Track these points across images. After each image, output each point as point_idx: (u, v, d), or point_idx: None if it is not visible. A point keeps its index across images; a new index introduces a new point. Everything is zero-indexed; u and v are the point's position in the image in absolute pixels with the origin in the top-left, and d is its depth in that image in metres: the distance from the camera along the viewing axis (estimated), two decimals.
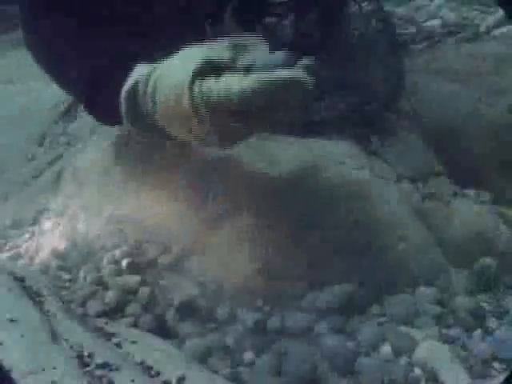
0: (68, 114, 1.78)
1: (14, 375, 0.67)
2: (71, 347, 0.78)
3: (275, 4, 1.46)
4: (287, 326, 1.06)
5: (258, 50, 0.89)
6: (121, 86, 0.96)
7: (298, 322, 1.07)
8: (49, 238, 1.30)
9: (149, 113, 0.90)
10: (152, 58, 0.97)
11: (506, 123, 1.44)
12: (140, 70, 0.92)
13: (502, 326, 1.08)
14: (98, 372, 0.75)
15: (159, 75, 0.89)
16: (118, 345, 0.89)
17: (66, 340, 0.80)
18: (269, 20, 1.43)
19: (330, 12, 1.45)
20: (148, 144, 1.22)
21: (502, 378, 0.95)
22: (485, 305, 1.14)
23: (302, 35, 1.45)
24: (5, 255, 1.28)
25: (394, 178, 1.29)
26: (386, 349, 1.03)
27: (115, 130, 1.31)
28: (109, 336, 0.92)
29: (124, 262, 1.17)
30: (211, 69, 0.84)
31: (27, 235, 1.35)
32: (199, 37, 1.25)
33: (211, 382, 0.88)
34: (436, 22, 2.22)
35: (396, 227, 1.21)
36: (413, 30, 2.18)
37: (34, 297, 0.91)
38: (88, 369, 0.75)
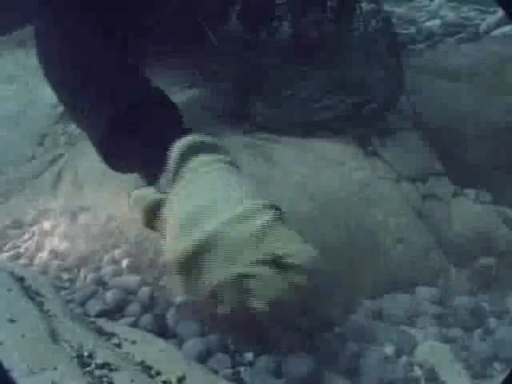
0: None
1: (14, 375, 0.67)
2: (71, 347, 0.78)
3: (276, 5, 1.47)
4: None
5: None
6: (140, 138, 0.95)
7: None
8: (49, 238, 1.30)
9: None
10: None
11: (505, 123, 1.44)
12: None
13: (501, 326, 1.08)
14: (98, 372, 0.75)
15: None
16: (118, 345, 0.89)
17: (66, 340, 0.80)
18: (273, 23, 1.44)
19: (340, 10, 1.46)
20: None
21: (501, 378, 0.95)
22: (485, 305, 1.14)
23: (302, 35, 1.45)
24: (5, 255, 1.28)
25: (394, 178, 1.29)
26: (386, 349, 1.03)
27: None
28: (109, 336, 0.92)
29: (124, 262, 1.17)
30: None
31: (27, 235, 1.35)
32: (198, 39, 1.26)
33: (211, 382, 0.88)
34: (436, 22, 2.22)
35: (396, 227, 1.21)
36: (413, 30, 2.19)
37: (34, 297, 0.91)
38: (88, 369, 0.75)
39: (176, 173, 0.89)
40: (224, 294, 0.82)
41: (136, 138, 0.97)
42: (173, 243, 0.85)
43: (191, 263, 0.83)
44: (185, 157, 0.90)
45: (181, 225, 0.84)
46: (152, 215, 0.92)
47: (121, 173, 1.09)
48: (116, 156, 1.03)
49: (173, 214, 0.87)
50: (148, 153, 0.96)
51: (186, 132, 0.96)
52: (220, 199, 0.81)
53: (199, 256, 0.82)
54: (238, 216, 0.78)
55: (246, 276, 0.79)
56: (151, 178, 0.96)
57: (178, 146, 0.91)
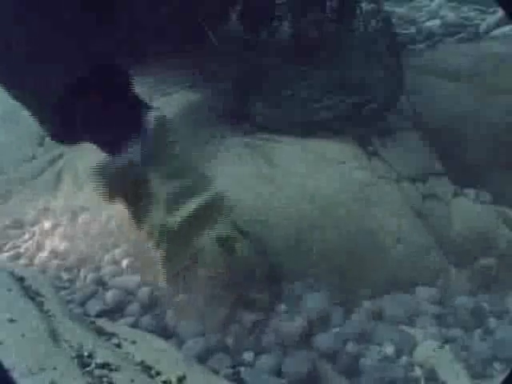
0: None
1: (14, 375, 0.67)
2: (71, 347, 0.78)
3: (276, 5, 1.47)
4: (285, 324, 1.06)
5: None
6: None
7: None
8: (49, 238, 1.30)
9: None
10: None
11: (505, 124, 1.44)
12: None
13: (501, 326, 1.08)
14: (98, 372, 0.75)
15: None
16: (118, 345, 0.89)
17: (66, 340, 0.80)
18: (273, 23, 1.44)
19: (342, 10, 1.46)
20: None
21: (501, 378, 0.95)
22: (485, 305, 1.14)
23: (302, 35, 1.46)
24: (5, 255, 1.28)
25: (394, 178, 1.29)
26: (386, 349, 1.03)
27: None
28: (109, 336, 0.92)
29: (124, 262, 1.17)
30: None
31: (27, 235, 1.35)
32: (198, 39, 1.26)
33: (211, 382, 0.88)
34: (436, 22, 2.22)
35: (396, 227, 1.21)
36: (413, 30, 2.19)
37: (34, 297, 0.91)
38: (88, 369, 0.75)
39: (154, 147, 1.02)
40: (205, 255, 1.00)
41: (93, 110, 1.00)
42: (160, 217, 1.00)
43: (179, 233, 1.00)
44: (159, 132, 1.03)
45: (168, 200, 1.00)
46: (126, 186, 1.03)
47: (66, 144, 1.14)
48: (67, 127, 1.04)
49: (158, 190, 1.02)
50: (110, 125, 1.02)
51: (140, 101, 1.06)
52: (195, 183, 1.05)
53: (184, 228, 1.00)
54: (209, 199, 1.03)
55: (224, 239, 1.01)
56: (111, 149, 1.03)
57: (152, 121, 1.02)
